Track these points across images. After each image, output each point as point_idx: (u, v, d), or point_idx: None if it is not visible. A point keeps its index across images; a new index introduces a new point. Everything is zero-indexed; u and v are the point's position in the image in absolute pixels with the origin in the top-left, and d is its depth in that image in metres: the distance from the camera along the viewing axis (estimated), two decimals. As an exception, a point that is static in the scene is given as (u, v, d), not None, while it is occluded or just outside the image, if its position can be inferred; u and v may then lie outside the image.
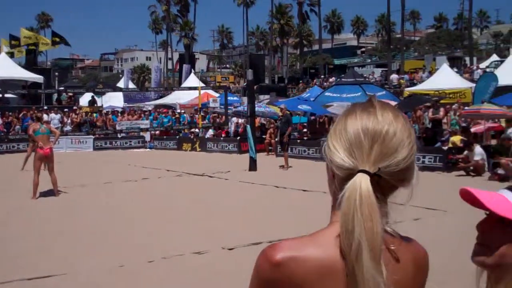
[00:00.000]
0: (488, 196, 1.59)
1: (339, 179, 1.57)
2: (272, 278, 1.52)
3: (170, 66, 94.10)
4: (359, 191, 1.48)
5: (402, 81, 49.52)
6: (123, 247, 9.88)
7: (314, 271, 1.50)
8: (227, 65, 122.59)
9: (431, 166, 19.08)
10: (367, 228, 1.46)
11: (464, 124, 24.63)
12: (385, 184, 1.54)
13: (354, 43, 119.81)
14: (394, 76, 53.37)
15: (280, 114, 24.97)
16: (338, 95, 31.37)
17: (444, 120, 27.34)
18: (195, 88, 30.57)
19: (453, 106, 28.23)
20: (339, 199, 1.52)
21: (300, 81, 63.88)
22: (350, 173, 1.53)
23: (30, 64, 47.70)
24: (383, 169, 1.52)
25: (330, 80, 53.57)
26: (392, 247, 1.55)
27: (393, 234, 1.58)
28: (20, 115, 35.83)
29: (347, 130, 1.58)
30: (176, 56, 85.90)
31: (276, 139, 25.61)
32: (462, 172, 18.82)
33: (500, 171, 17.51)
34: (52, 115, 35.49)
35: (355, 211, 1.47)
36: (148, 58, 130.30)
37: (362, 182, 1.49)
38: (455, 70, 43.92)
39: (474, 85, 31.18)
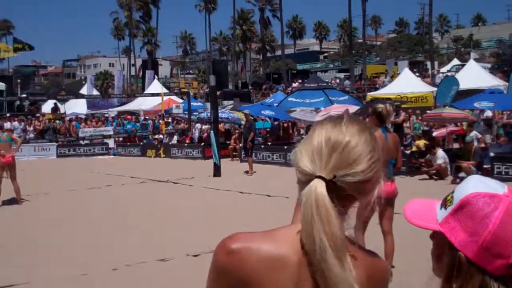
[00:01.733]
0: (417, 208, 1.65)
1: (301, 183, 1.65)
2: (225, 265, 1.62)
3: (133, 73, 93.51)
4: (314, 195, 1.56)
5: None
6: (86, 255, 9.81)
7: (265, 262, 1.59)
8: (191, 71, 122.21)
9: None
10: (326, 231, 1.54)
11: (426, 128, 24.90)
12: (341, 192, 1.60)
13: (317, 48, 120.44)
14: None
15: (244, 119, 25.01)
16: (301, 100, 31.52)
17: (407, 124, 27.61)
18: (158, 94, 30.42)
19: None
20: (299, 202, 1.62)
21: (254, 87, 63.74)
22: (310, 178, 1.60)
23: (-9, 71, 47.08)
24: (339, 177, 1.59)
25: (294, 85, 53.67)
26: (350, 252, 1.61)
27: (350, 241, 1.65)
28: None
29: (313, 137, 1.67)
30: (139, 62, 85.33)
31: (241, 145, 25.64)
32: (426, 176, 19.05)
33: (462, 175, 17.74)
34: (16, 124, 35.09)
35: (312, 215, 1.55)
36: (111, 65, 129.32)
37: (317, 187, 1.57)
38: (417, 74, 44.36)
39: (435, 89, 31.50)
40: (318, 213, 1.55)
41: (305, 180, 1.62)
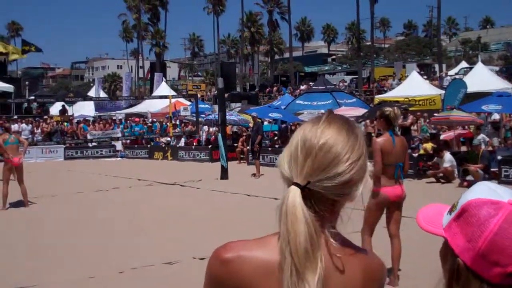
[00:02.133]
0: (428, 212, 1.60)
1: (286, 189, 1.62)
2: (219, 275, 1.62)
3: (141, 75, 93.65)
4: (285, 204, 1.55)
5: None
6: (93, 258, 9.82)
7: (260, 270, 1.58)
8: (199, 73, 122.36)
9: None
10: (290, 239, 1.53)
11: (434, 131, 24.83)
12: (321, 197, 1.57)
13: (325, 50, 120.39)
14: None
15: (251, 122, 24.99)
16: (309, 103, 31.48)
17: (415, 127, 27.53)
18: (165, 97, 30.41)
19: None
20: None
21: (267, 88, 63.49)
22: (289, 184, 1.60)
23: (-1, 73, 47.15)
24: (314, 183, 1.56)
25: (302, 87, 53.58)
26: (338, 255, 1.59)
27: (340, 244, 1.62)
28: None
29: (292, 142, 1.64)
30: (147, 65, 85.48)
31: (248, 147, 25.61)
32: (433, 179, 18.99)
33: (469, 178, 17.68)
34: (24, 125, 35.16)
35: (281, 224, 1.57)
36: (119, 67, 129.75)
37: (290, 195, 1.56)
38: (425, 77, 44.21)
39: (443, 92, 31.40)
40: (285, 221, 1.54)
41: (287, 185, 1.60)
